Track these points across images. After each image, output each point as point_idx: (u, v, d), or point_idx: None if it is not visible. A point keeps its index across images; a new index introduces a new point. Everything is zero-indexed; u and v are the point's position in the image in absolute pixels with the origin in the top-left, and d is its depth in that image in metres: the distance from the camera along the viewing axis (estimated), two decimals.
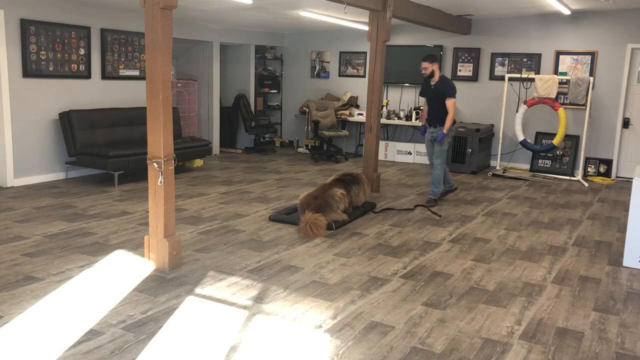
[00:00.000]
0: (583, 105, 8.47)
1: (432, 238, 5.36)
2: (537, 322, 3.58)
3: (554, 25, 8.88)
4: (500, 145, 9.10)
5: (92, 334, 3.24)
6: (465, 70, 9.63)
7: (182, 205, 6.33)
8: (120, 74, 8.22)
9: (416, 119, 9.81)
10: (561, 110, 8.37)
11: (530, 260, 4.78)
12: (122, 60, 8.23)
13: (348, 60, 10.76)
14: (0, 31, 6.67)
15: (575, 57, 8.79)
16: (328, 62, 10.97)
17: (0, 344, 3.10)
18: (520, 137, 8.70)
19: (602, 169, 8.79)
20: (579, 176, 8.59)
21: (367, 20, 7.39)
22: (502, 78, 9.21)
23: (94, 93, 7.87)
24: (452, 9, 8.31)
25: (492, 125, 9.47)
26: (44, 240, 4.95)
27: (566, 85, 8.61)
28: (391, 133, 10.48)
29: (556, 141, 8.47)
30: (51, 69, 7.28)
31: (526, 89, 9.00)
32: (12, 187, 7.00)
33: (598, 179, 8.62)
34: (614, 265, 4.72)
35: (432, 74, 6.53)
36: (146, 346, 3.12)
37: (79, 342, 3.14)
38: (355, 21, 9.08)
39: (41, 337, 3.19)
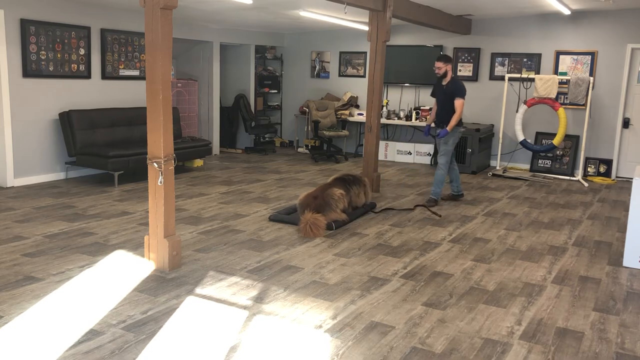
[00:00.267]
0: (583, 105, 8.47)
1: (432, 238, 5.36)
2: (537, 322, 3.58)
3: (554, 25, 8.88)
4: (500, 145, 9.10)
5: (92, 334, 3.24)
6: (465, 70, 9.63)
7: (182, 205, 6.33)
8: (120, 74, 8.22)
9: (416, 119, 9.81)
10: (561, 110, 8.37)
11: (530, 260, 4.78)
12: (122, 60, 8.23)
13: (348, 60, 10.76)
14: (0, 31, 6.68)
15: (575, 57, 8.80)
16: (328, 62, 10.97)
17: (0, 344, 3.10)
18: (520, 137, 8.70)
19: (602, 169, 8.79)
20: (579, 176, 8.59)
21: (367, 20, 7.39)
22: (502, 78, 9.21)
23: (94, 93, 7.87)
24: (452, 9, 8.31)
25: (492, 125, 9.47)
26: (44, 240, 4.95)
27: (566, 85, 8.61)
28: (391, 133, 10.48)
29: (556, 141, 8.47)
30: (51, 69, 7.28)
31: (526, 89, 9.00)
32: (12, 187, 7.00)
33: (598, 179, 8.62)
34: (614, 265, 4.72)
35: (444, 75, 6.57)
36: (146, 346, 3.12)
37: (79, 342, 3.14)
38: (355, 21, 9.08)
39: (41, 337, 3.19)
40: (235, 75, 10.90)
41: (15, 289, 3.85)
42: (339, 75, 10.89)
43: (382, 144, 10.02)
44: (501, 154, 9.24)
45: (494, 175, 8.74)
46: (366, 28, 8.14)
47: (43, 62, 7.18)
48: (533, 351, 3.19)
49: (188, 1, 7.09)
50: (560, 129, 8.38)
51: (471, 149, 8.77)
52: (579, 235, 5.60)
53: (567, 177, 8.66)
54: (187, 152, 8.16)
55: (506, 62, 9.33)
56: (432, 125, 6.93)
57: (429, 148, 9.87)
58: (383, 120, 9.88)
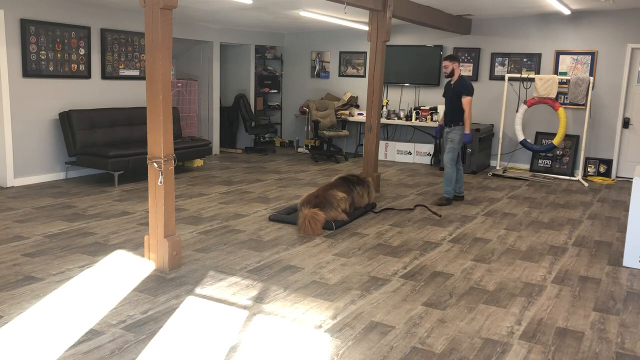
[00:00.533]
0: (583, 105, 8.47)
1: (432, 238, 5.36)
2: (537, 322, 3.58)
3: (554, 25, 8.88)
4: (500, 145, 9.10)
5: (92, 334, 3.24)
6: (465, 70, 9.62)
7: (182, 205, 6.33)
8: (120, 74, 8.22)
9: (416, 119, 9.81)
10: (561, 110, 8.37)
11: (530, 260, 4.78)
12: (122, 60, 8.23)
13: (348, 60, 10.76)
14: (0, 31, 6.68)
15: (575, 57, 8.79)
16: (328, 62, 10.97)
17: (0, 344, 3.10)
18: (520, 137, 8.70)
19: (602, 169, 8.79)
20: (579, 176, 8.59)
21: (367, 20, 7.39)
22: (502, 78, 9.21)
23: (94, 93, 7.87)
24: (452, 9, 8.31)
25: (492, 125, 9.47)
26: (44, 240, 4.95)
27: (566, 85, 8.61)
28: (391, 133, 10.48)
29: (556, 141, 8.47)
30: (51, 69, 7.28)
31: (526, 89, 9.00)
32: (12, 187, 7.00)
33: (598, 179, 8.62)
34: (614, 265, 4.72)
35: (452, 73, 6.60)
36: (146, 346, 3.12)
37: (79, 342, 3.14)
38: (355, 21, 9.08)
39: (41, 337, 3.19)
40: (235, 75, 10.90)
41: (15, 289, 3.85)
42: (339, 75, 10.89)
43: (382, 144, 10.02)
44: (501, 154, 9.24)
45: (494, 175, 8.74)
46: (366, 28, 8.15)
47: (43, 62, 7.18)
48: (533, 351, 3.19)
49: (188, 1, 7.09)
50: (560, 129, 8.38)
51: (471, 149, 8.77)
52: (579, 235, 5.60)
53: (567, 177, 8.66)
54: (187, 152, 8.16)
55: (506, 62, 9.33)
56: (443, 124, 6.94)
57: (429, 148, 9.87)
58: (383, 120, 9.88)
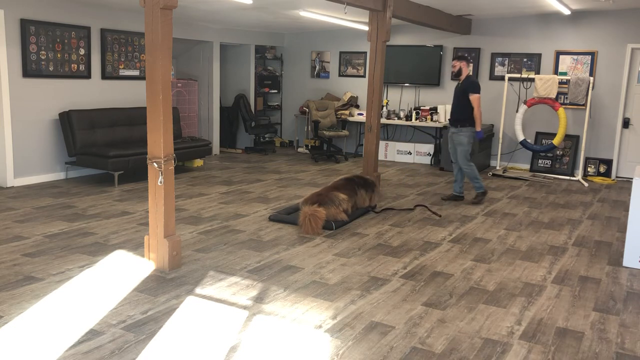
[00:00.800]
0: (583, 105, 8.47)
1: (432, 238, 5.36)
2: (537, 322, 3.58)
3: (554, 25, 8.88)
4: (500, 145, 9.10)
5: (92, 334, 3.24)
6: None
7: (182, 205, 6.33)
8: (120, 74, 8.22)
9: (416, 119, 9.81)
10: (561, 110, 8.37)
11: (530, 260, 4.78)
12: (122, 60, 8.23)
13: (348, 60, 10.76)
14: (0, 31, 6.68)
15: (575, 57, 8.79)
16: (328, 62, 10.97)
17: (0, 344, 3.10)
18: (520, 137, 8.71)
19: (602, 169, 8.79)
20: (579, 176, 8.59)
21: (367, 20, 7.39)
22: (502, 78, 9.21)
23: (94, 93, 7.87)
24: (452, 9, 8.31)
25: (492, 125, 9.47)
26: (44, 240, 4.95)
27: (566, 85, 8.61)
28: (391, 133, 10.48)
29: (556, 141, 8.47)
30: (51, 69, 7.28)
31: (526, 89, 9.00)
32: (12, 187, 7.00)
33: (598, 179, 8.62)
34: (614, 265, 4.72)
35: (459, 72, 6.64)
36: (146, 346, 3.12)
37: (79, 342, 3.14)
38: (355, 21, 9.08)
39: (41, 337, 3.19)
40: (235, 75, 10.90)
41: (15, 289, 3.85)
42: (339, 75, 10.89)
43: (382, 144, 10.02)
44: (501, 154, 9.24)
45: (494, 175, 8.74)
46: (366, 28, 8.15)
47: (43, 62, 7.18)
48: (533, 351, 3.19)
49: (188, 1, 7.09)
50: (560, 129, 8.38)
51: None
52: (579, 235, 5.60)
53: (567, 177, 8.66)
54: (187, 152, 8.16)
55: (506, 62, 9.33)
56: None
57: (429, 148, 9.87)
58: (383, 120, 9.88)
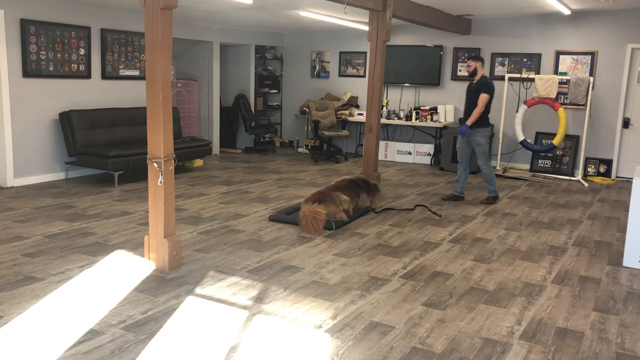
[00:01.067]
0: (583, 105, 8.47)
1: (432, 238, 5.36)
2: (537, 322, 3.58)
3: (554, 25, 8.88)
4: (500, 145, 9.10)
5: (92, 334, 3.24)
6: (465, 70, 9.61)
7: (182, 205, 6.33)
8: (120, 74, 8.22)
9: (416, 119, 9.81)
10: (561, 110, 8.37)
11: (530, 260, 4.78)
12: (122, 60, 8.23)
13: (348, 60, 10.76)
14: (0, 31, 6.67)
15: (575, 57, 8.79)
16: (328, 62, 10.97)
17: (0, 344, 3.10)
18: (520, 137, 8.70)
19: (602, 169, 8.79)
20: (579, 176, 8.59)
21: (367, 20, 7.39)
22: (502, 78, 9.21)
23: (94, 93, 7.87)
24: (452, 9, 8.31)
25: (492, 125, 9.45)
26: (44, 240, 4.95)
27: (566, 85, 8.61)
28: (391, 133, 10.48)
29: (556, 141, 8.47)
30: (51, 69, 7.28)
31: (526, 89, 9.00)
32: (12, 187, 7.00)
33: (598, 179, 8.62)
34: (614, 265, 4.71)
35: (474, 72, 6.64)
36: (146, 346, 3.12)
37: (79, 342, 3.14)
38: (355, 21, 9.08)
39: (41, 337, 3.19)
40: (235, 75, 10.90)
41: (15, 289, 3.85)
42: (339, 75, 10.89)
43: (382, 144, 10.02)
44: (501, 154, 9.24)
45: None
46: (366, 28, 8.15)
47: (43, 62, 7.18)
48: (533, 351, 3.19)
49: (188, 1, 7.09)
50: (560, 129, 8.38)
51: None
52: (579, 235, 5.60)
53: (567, 177, 8.66)
54: (187, 152, 8.16)
55: (506, 62, 9.33)
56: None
57: (429, 148, 9.87)
58: (383, 120, 9.88)
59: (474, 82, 6.71)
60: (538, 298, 3.97)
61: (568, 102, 8.62)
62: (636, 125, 8.60)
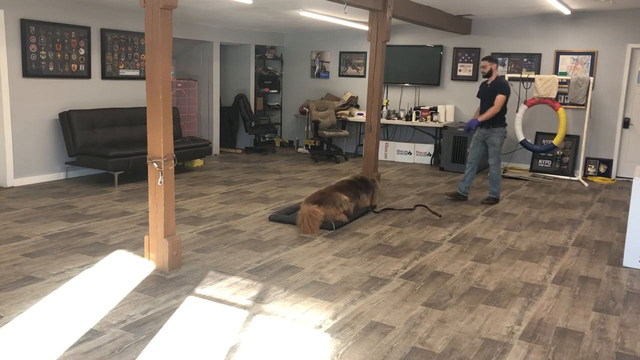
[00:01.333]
0: (583, 105, 8.47)
1: (432, 238, 5.36)
2: (537, 322, 3.58)
3: (554, 25, 8.88)
4: None
5: (92, 334, 3.24)
6: (465, 70, 9.63)
7: (182, 205, 6.33)
8: (120, 74, 8.22)
9: (416, 119, 9.81)
10: (561, 110, 8.37)
11: (530, 260, 4.78)
12: (122, 60, 8.23)
13: (348, 60, 10.76)
14: (0, 31, 6.67)
15: (575, 57, 8.79)
16: (328, 62, 10.97)
17: (0, 344, 3.10)
18: (520, 137, 8.70)
19: (602, 169, 8.79)
20: (579, 176, 8.59)
21: (367, 20, 7.39)
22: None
23: (94, 93, 7.87)
24: (452, 9, 8.31)
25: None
26: (44, 240, 4.95)
27: (566, 85, 8.61)
28: (391, 133, 10.48)
29: (556, 141, 8.47)
30: (51, 69, 7.28)
31: (526, 89, 9.00)
32: (12, 187, 7.00)
33: (598, 179, 8.62)
34: (614, 265, 4.72)
35: (489, 73, 6.65)
36: (146, 346, 3.12)
37: (79, 342, 3.14)
38: (355, 21, 9.08)
39: (41, 337, 3.19)
40: (235, 75, 10.91)
41: (15, 289, 3.85)
42: (339, 75, 10.89)
43: (382, 144, 10.02)
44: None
45: None
46: (366, 28, 8.14)
47: (43, 62, 7.18)
48: (533, 351, 3.19)
49: (188, 1, 7.09)
50: (560, 129, 8.38)
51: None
52: (579, 235, 5.60)
53: (567, 177, 8.66)
54: (187, 152, 8.16)
55: (506, 62, 9.32)
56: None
57: (429, 148, 9.87)
58: (383, 120, 9.88)
59: (489, 83, 6.71)
60: (538, 298, 3.97)
61: (568, 102, 8.62)
62: (636, 125, 8.60)
